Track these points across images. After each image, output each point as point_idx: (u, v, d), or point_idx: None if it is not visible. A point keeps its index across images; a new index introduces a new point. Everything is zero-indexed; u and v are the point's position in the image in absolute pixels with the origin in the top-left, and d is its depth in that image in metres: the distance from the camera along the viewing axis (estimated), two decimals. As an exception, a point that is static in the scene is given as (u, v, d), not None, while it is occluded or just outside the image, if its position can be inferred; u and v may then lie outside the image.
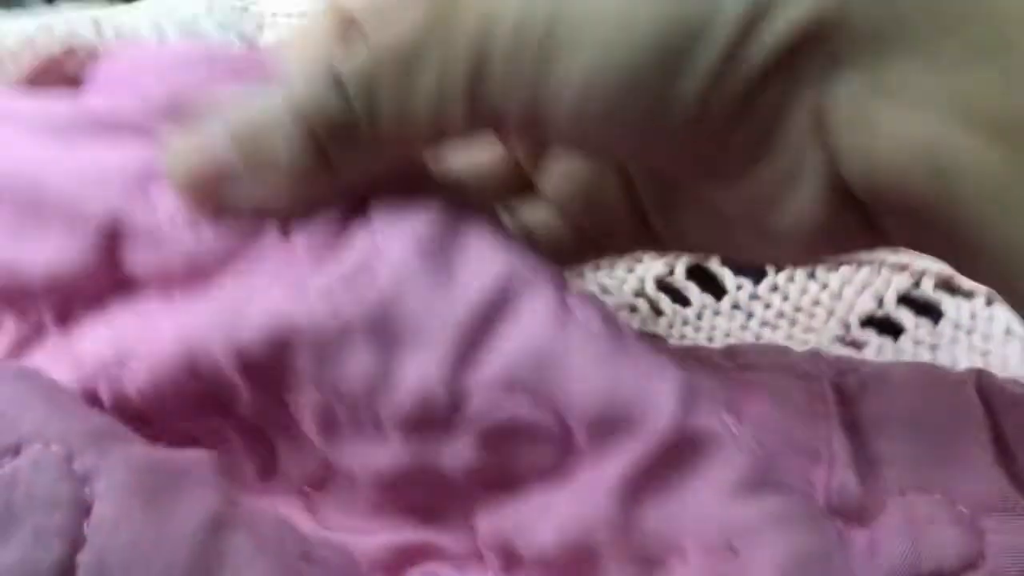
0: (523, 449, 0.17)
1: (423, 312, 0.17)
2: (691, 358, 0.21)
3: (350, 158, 0.18)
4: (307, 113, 0.18)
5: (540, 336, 0.17)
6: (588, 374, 0.17)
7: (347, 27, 0.22)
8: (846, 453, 0.19)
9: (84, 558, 0.13)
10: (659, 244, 0.22)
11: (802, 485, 0.18)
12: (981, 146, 0.15)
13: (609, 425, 0.17)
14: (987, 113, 0.15)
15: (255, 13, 0.35)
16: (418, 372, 0.16)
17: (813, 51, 0.16)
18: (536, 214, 0.23)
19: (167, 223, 0.18)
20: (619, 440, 0.17)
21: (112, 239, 0.18)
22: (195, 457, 0.16)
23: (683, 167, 0.19)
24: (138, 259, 0.18)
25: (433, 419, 0.17)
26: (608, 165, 0.22)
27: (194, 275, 0.18)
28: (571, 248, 0.23)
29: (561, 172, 0.23)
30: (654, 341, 0.24)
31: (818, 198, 0.17)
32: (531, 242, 0.22)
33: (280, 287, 0.17)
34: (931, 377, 0.21)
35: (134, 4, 0.26)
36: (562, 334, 0.17)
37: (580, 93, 0.16)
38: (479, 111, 0.17)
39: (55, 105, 0.19)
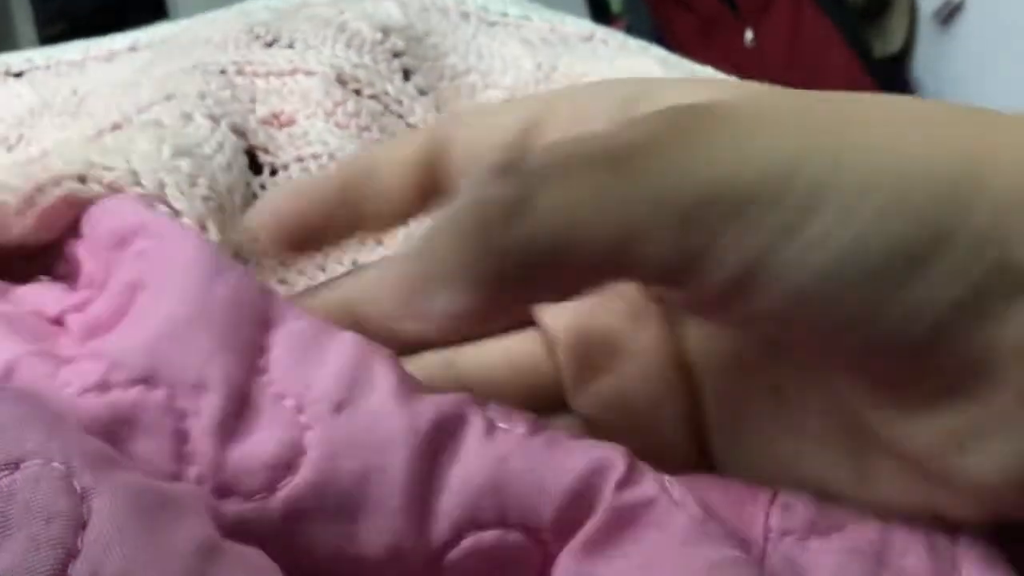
0: (506, 570, 0.18)
1: (362, 475, 0.17)
2: None
3: (515, 269, 0.16)
4: (476, 202, 0.16)
5: (481, 464, 0.18)
6: (532, 477, 0.17)
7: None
8: None
9: (77, 568, 0.13)
10: (713, 471, 0.20)
11: (736, 519, 0.19)
12: None
13: (568, 517, 0.18)
14: None
15: (246, 87, 0.36)
16: (380, 532, 0.17)
17: None
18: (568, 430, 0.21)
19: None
20: (578, 527, 0.18)
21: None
22: (188, 490, 0.16)
23: (872, 385, 0.17)
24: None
25: (409, 568, 0.17)
26: (681, 383, 0.20)
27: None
28: None
29: (611, 389, 0.21)
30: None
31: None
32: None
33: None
34: None
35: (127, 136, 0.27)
36: (497, 449, 0.18)
37: (831, 263, 0.15)
38: (681, 254, 0.15)
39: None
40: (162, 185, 0.23)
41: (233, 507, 0.17)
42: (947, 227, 0.14)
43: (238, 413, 0.18)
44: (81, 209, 0.23)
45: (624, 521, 0.17)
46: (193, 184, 0.24)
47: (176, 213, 0.23)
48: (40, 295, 0.22)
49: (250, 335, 0.18)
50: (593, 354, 0.20)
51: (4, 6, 1.74)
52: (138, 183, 0.23)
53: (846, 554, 0.18)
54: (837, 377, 0.17)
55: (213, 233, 0.24)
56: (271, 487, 0.17)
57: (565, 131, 0.19)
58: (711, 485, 0.19)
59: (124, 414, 0.17)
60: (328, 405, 0.18)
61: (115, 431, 0.17)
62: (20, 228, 0.23)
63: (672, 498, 0.18)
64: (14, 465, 0.14)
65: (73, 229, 0.23)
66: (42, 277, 0.25)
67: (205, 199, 0.24)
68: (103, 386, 0.17)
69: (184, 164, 0.24)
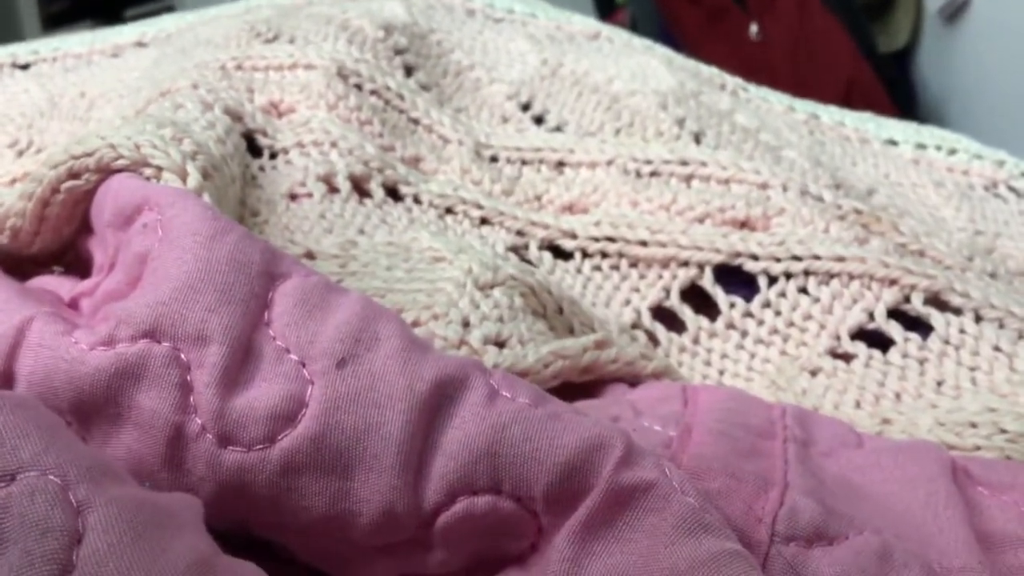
0: (499, 540, 0.18)
1: (360, 431, 0.17)
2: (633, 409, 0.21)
3: None
4: None
5: (479, 429, 0.18)
6: (528, 448, 0.17)
7: None
8: (802, 481, 0.20)
9: (71, 585, 0.13)
10: None
11: (742, 520, 0.18)
12: None
13: (561, 492, 0.17)
14: None
15: (243, 78, 0.36)
16: (374, 490, 0.17)
17: None
18: None
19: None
20: (572, 505, 0.17)
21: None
22: (185, 501, 0.16)
23: None
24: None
25: (401, 528, 0.17)
26: None
27: None
28: None
29: None
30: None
31: None
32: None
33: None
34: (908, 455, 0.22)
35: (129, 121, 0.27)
36: (496, 416, 0.18)
37: None
38: None
39: None
40: (138, 148, 0.23)
41: (234, 456, 0.17)
42: None
43: (241, 363, 0.18)
44: (87, 203, 0.23)
45: (622, 505, 0.17)
46: (179, 144, 0.24)
47: (158, 170, 0.23)
48: (54, 284, 0.22)
49: (252, 290, 0.19)
50: None
51: (7, -16, 1.73)
52: (118, 156, 0.23)
53: (848, 566, 0.18)
54: None
55: (195, 180, 0.23)
56: (271, 438, 0.17)
57: None
58: (721, 471, 0.19)
59: (130, 366, 0.18)
60: (331, 361, 0.18)
61: (122, 383, 0.17)
62: (40, 243, 0.24)
63: (672, 484, 0.17)
64: (10, 477, 0.14)
65: (85, 226, 0.23)
66: (56, 268, 0.25)
67: (191, 154, 0.24)
68: (110, 340, 0.18)
69: (167, 131, 0.24)
